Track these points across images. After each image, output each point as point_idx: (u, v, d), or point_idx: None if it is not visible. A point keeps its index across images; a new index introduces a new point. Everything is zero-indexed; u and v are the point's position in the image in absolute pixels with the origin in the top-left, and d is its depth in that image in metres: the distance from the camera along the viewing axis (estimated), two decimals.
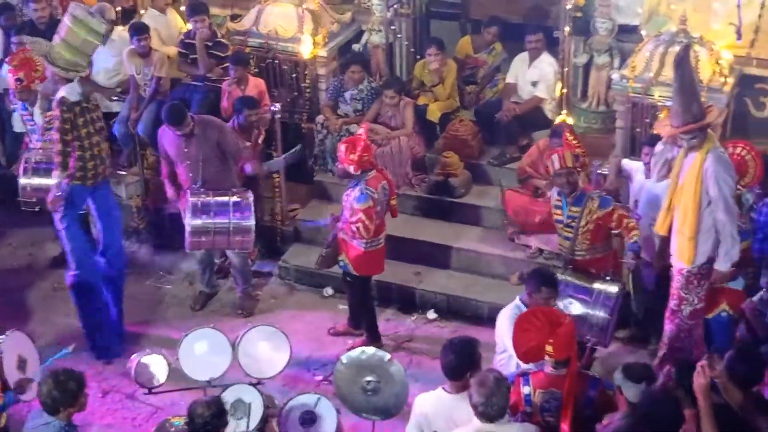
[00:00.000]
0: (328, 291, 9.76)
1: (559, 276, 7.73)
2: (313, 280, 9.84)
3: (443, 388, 6.23)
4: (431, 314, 9.41)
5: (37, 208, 9.42)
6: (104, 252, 8.87)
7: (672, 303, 7.56)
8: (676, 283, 7.49)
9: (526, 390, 6.34)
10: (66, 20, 8.01)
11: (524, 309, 6.86)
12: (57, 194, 8.32)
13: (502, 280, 9.40)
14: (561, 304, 7.52)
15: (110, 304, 8.94)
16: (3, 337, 7.22)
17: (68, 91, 8.11)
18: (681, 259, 7.38)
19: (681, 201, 7.27)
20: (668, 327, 7.62)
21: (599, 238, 7.96)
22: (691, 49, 7.37)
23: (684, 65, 7.00)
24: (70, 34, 7.93)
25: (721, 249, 7.27)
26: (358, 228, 8.33)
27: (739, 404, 5.88)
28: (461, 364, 6.12)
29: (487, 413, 5.74)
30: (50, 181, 8.51)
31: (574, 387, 6.26)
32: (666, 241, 8.02)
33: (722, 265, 7.32)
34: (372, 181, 8.35)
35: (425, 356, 8.78)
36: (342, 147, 8.34)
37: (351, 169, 8.29)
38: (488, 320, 8.95)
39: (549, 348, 6.23)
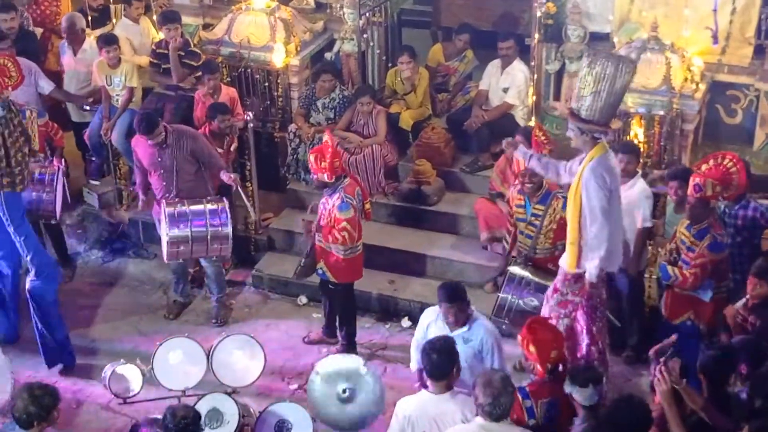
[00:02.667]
0: (302, 299, 9.75)
1: (520, 272, 7.90)
2: (287, 289, 9.83)
3: (425, 390, 6.25)
4: (406, 322, 9.42)
5: None
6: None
7: (548, 291, 7.61)
8: (558, 276, 7.52)
9: (527, 404, 6.32)
10: None
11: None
12: None
13: (476, 288, 9.41)
14: (521, 301, 7.67)
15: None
16: None
17: None
18: (563, 263, 7.43)
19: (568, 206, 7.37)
20: (543, 310, 7.64)
21: (562, 237, 7.89)
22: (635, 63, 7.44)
23: (627, 75, 7.01)
24: None
25: (588, 256, 7.25)
26: (344, 237, 8.36)
27: (701, 407, 5.92)
28: (444, 362, 6.14)
29: (495, 413, 5.80)
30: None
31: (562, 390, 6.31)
32: (642, 245, 8.13)
33: (589, 274, 7.27)
34: (349, 189, 8.37)
35: (400, 364, 8.79)
36: (311, 158, 8.37)
37: (325, 177, 8.30)
38: None
39: (554, 354, 6.34)
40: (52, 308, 8.73)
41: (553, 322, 7.35)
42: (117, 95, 10.22)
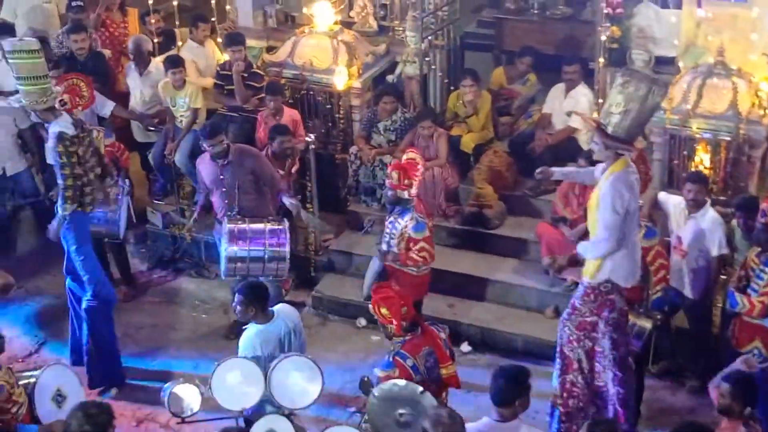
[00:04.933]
0: (362, 322, 9.73)
1: None
2: (347, 311, 9.82)
3: (490, 417, 6.18)
4: (465, 347, 9.35)
5: None
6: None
7: (565, 312, 7.56)
8: (577, 293, 7.48)
9: (409, 363, 7.01)
10: (4, 63, 8.01)
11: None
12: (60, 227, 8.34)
13: (536, 312, 9.33)
14: None
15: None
16: (41, 371, 7.22)
17: (63, 126, 8.08)
18: (584, 272, 7.38)
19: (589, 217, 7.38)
20: (560, 333, 7.60)
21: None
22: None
23: (658, 97, 7.02)
24: (18, 67, 7.94)
25: (589, 243, 7.31)
26: (423, 257, 8.46)
27: None
28: (510, 389, 6.07)
29: None
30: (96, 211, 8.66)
31: (435, 335, 7.23)
32: (717, 273, 8.02)
33: (581, 249, 7.38)
34: (419, 208, 8.45)
35: (458, 389, 8.71)
36: (394, 174, 8.38)
37: (405, 194, 8.35)
38: (522, 353, 8.91)
39: (404, 310, 7.10)
40: (107, 328, 8.82)
41: (574, 345, 7.38)
42: (181, 116, 10.33)
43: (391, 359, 7.16)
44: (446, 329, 7.54)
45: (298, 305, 9.90)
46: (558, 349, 7.62)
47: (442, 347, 7.26)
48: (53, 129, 8.08)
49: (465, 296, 9.68)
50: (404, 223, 8.42)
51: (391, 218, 8.55)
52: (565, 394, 7.54)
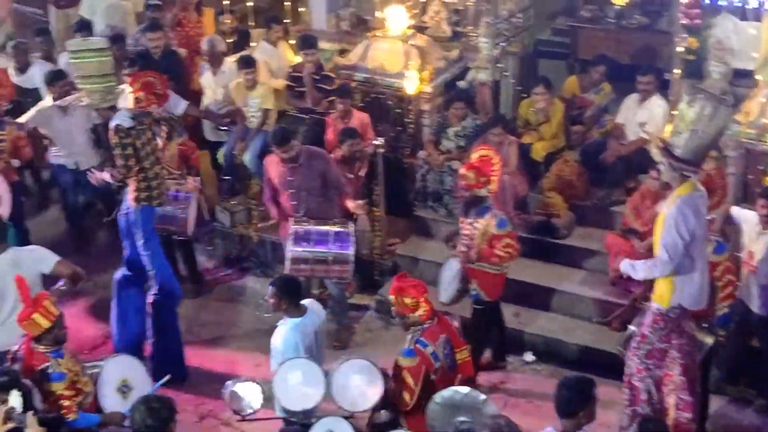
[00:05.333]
0: None
1: None
2: None
3: (554, 428, 6.09)
4: (529, 356, 9.26)
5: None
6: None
7: (633, 341, 7.43)
8: (646, 320, 7.33)
9: (430, 350, 7.09)
10: (70, 60, 8.10)
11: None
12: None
13: (602, 324, 9.21)
14: None
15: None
16: (107, 361, 7.35)
17: (121, 119, 8.19)
18: (655, 299, 7.25)
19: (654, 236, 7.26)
20: (628, 362, 7.47)
21: None
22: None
23: (724, 118, 6.92)
24: (83, 66, 8.02)
25: (646, 263, 7.21)
26: (509, 253, 8.42)
27: None
28: (575, 400, 5.98)
29: None
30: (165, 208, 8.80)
31: (449, 323, 7.37)
32: None
33: (625, 267, 7.34)
34: (497, 206, 8.49)
35: (521, 398, 8.64)
36: (470, 174, 8.35)
37: (484, 191, 8.35)
38: (587, 365, 8.78)
39: (424, 305, 7.13)
40: (171, 323, 8.90)
41: (643, 375, 7.28)
42: (252, 116, 10.40)
43: (412, 348, 7.16)
44: (458, 317, 7.81)
45: (361, 308, 10.02)
46: (625, 380, 7.50)
47: (456, 333, 7.39)
48: (112, 123, 8.23)
49: (530, 305, 9.58)
50: (485, 221, 8.38)
51: (469, 220, 8.51)
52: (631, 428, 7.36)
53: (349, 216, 9.31)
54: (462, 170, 8.52)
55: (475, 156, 8.57)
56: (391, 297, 7.32)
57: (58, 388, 6.78)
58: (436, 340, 7.20)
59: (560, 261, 9.80)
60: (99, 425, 6.99)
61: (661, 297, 7.20)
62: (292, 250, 8.89)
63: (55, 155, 10.54)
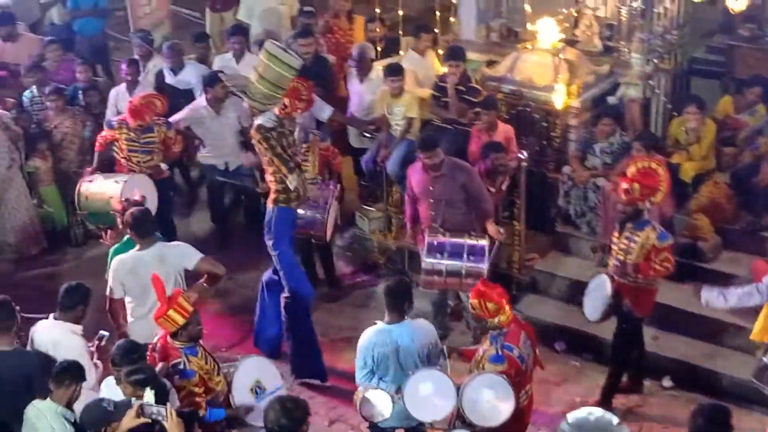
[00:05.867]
0: (561, 345, 9.55)
1: None
2: (546, 333, 9.59)
3: None
4: (667, 381, 9.03)
5: None
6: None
7: None
8: None
9: (516, 353, 7.06)
10: (261, 56, 8.16)
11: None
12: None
13: (745, 353, 8.89)
14: None
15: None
16: (243, 361, 7.47)
17: (263, 119, 8.31)
18: None
19: None
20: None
21: None
22: None
23: None
24: (267, 69, 8.06)
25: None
26: (666, 267, 8.29)
27: None
28: (711, 429, 5.80)
29: None
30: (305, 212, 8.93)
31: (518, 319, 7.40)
32: None
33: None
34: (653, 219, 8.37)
35: (656, 424, 8.42)
36: (635, 186, 8.21)
37: (647, 204, 8.26)
38: (727, 394, 8.51)
39: (507, 310, 7.11)
40: (303, 325, 8.98)
41: None
42: (396, 124, 10.42)
43: (501, 353, 7.07)
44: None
45: None
46: None
47: (532, 329, 7.41)
48: (256, 122, 8.37)
49: (671, 329, 9.33)
50: (645, 234, 8.26)
51: (626, 234, 8.36)
52: None
53: (485, 230, 9.22)
54: (624, 183, 8.34)
55: (635, 168, 8.38)
56: (473, 301, 7.21)
57: (188, 384, 6.95)
58: (519, 341, 7.18)
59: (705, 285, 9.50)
60: (226, 419, 7.10)
61: None
62: (426, 261, 8.88)
63: (205, 155, 10.81)
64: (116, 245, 8.50)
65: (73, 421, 6.71)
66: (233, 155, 10.69)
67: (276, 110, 8.38)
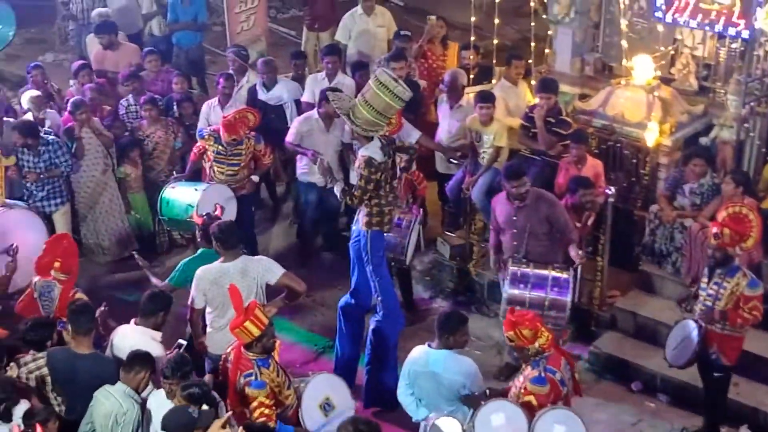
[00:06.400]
0: (638, 385, 9.40)
1: None
2: (623, 372, 9.52)
3: None
4: (744, 430, 8.82)
5: None
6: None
7: None
8: None
9: (558, 377, 7.12)
10: (371, 83, 8.14)
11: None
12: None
13: None
14: None
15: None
16: (314, 377, 7.51)
17: (373, 152, 8.27)
18: None
19: None
20: None
21: None
22: None
23: None
24: (374, 96, 8.05)
25: None
26: (755, 315, 8.20)
27: None
28: None
29: None
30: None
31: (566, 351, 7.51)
32: None
33: None
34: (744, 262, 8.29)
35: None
36: (726, 231, 8.10)
37: (737, 250, 8.21)
38: None
39: (545, 333, 7.10)
40: (391, 351, 8.95)
41: None
42: (484, 152, 10.39)
43: (544, 375, 7.08)
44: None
45: (574, 357, 9.76)
46: None
47: (569, 354, 7.56)
48: (364, 152, 8.33)
49: (752, 377, 9.12)
50: (735, 281, 8.16)
51: (716, 279, 8.26)
52: None
53: (570, 262, 9.16)
54: (714, 228, 8.23)
55: (725, 213, 8.27)
56: (509, 334, 7.22)
57: (258, 395, 7.00)
58: (560, 365, 7.22)
59: None
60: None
61: None
62: (508, 291, 8.85)
63: (305, 173, 10.81)
64: (189, 258, 8.68)
65: (139, 403, 6.88)
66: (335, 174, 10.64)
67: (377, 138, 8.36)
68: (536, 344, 7.14)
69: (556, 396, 7.12)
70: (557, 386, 7.13)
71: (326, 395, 7.39)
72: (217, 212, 9.03)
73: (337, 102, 8.50)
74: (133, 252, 9.60)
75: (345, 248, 9.05)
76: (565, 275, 8.86)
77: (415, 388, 7.53)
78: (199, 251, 8.69)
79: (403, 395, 7.63)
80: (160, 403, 6.90)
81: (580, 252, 9.04)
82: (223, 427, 6.33)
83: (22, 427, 6.67)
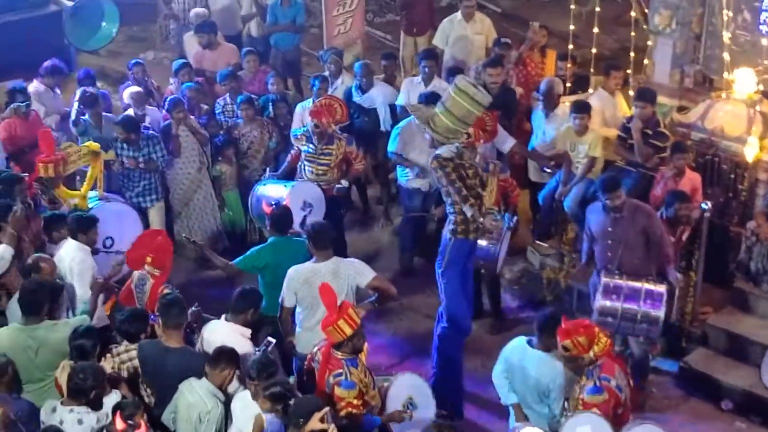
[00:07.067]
0: (728, 404, 9.23)
1: None
2: (713, 390, 9.35)
3: None
4: None
5: None
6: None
7: None
8: None
9: (613, 383, 7.00)
10: (450, 90, 8.11)
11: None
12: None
13: None
14: None
15: None
16: (397, 377, 7.54)
17: (443, 149, 8.27)
18: None
19: None
20: None
21: None
22: None
23: None
24: (454, 103, 8.03)
25: None
26: None
27: None
28: None
29: None
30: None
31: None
32: None
33: None
34: None
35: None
36: None
37: None
38: None
39: (603, 338, 7.04)
40: (455, 357, 8.89)
41: None
42: (578, 162, 10.30)
43: (599, 384, 7.00)
44: None
45: (662, 373, 9.68)
46: None
47: (625, 365, 7.39)
48: (435, 153, 8.36)
49: None
50: None
51: None
52: None
53: (663, 275, 9.03)
54: None
55: None
56: (565, 343, 7.07)
57: (347, 395, 7.04)
58: (614, 372, 7.09)
59: None
60: (380, 426, 7.26)
61: None
62: (600, 302, 8.77)
63: (410, 179, 10.76)
64: (260, 246, 8.86)
65: (223, 401, 6.95)
66: (428, 177, 10.59)
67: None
68: (592, 352, 7.04)
69: (616, 403, 7.05)
70: (615, 393, 7.04)
71: (409, 395, 7.45)
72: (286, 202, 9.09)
73: (416, 112, 8.52)
74: (185, 237, 9.77)
75: (436, 253, 9.03)
76: (659, 288, 8.74)
77: (508, 373, 7.63)
78: (269, 240, 8.80)
79: (498, 377, 7.73)
80: (245, 404, 6.95)
81: (678, 276, 8.91)
82: (321, 420, 6.36)
83: (110, 418, 6.75)
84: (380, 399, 7.36)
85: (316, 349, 7.44)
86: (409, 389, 7.50)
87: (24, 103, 10.88)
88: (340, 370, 7.08)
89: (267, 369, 6.91)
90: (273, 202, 9.39)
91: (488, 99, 8.18)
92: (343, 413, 6.98)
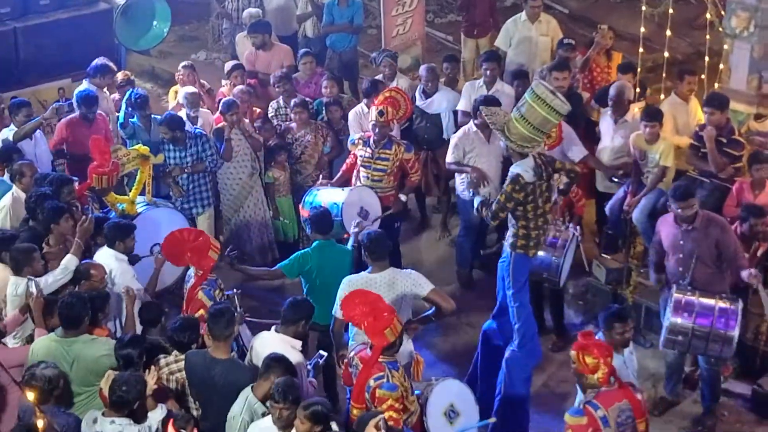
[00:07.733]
0: None
1: None
2: None
3: None
4: None
5: None
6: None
7: None
8: None
9: (600, 414, 6.70)
10: (526, 96, 7.79)
11: None
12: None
13: None
14: None
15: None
16: (438, 382, 7.38)
17: (523, 170, 7.89)
18: None
19: None
20: None
21: None
22: None
23: None
24: (530, 110, 7.70)
25: None
26: None
27: None
28: None
29: None
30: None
31: (632, 392, 6.92)
32: None
33: None
34: None
35: None
36: None
37: None
38: None
39: (604, 368, 6.76)
40: (523, 383, 8.53)
41: None
42: (648, 171, 9.91)
43: (581, 407, 6.80)
44: (643, 391, 7.30)
45: (735, 396, 9.30)
46: None
47: (640, 403, 7.00)
48: (514, 169, 8.01)
49: None
50: None
51: None
52: None
53: (739, 293, 8.64)
54: None
55: None
56: (573, 353, 6.95)
57: (389, 397, 6.91)
58: (611, 405, 6.80)
59: None
60: None
61: None
62: (671, 319, 8.41)
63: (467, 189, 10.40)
64: (304, 250, 8.84)
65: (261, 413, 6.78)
66: (496, 189, 10.16)
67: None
68: (595, 376, 6.85)
69: (595, 431, 6.70)
70: (595, 422, 6.69)
71: (450, 401, 7.32)
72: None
73: (490, 117, 8.18)
74: (221, 248, 9.27)
75: (496, 267, 8.68)
76: (733, 306, 8.34)
77: None
78: (314, 243, 8.75)
79: None
80: (263, 428, 6.71)
81: (752, 271, 8.45)
82: (376, 427, 6.32)
83: None
84: (418, 405, 7.24)
85: (353, 353, 7.38)
86: (451, 396, 7.37)
87: (66, 102, 10.74)
88: (382, 373, 7.02)
89: (292, 392, 6.65)
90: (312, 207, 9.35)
91: (567, 107, 7.81)
92: (385, 416, 6.78)
